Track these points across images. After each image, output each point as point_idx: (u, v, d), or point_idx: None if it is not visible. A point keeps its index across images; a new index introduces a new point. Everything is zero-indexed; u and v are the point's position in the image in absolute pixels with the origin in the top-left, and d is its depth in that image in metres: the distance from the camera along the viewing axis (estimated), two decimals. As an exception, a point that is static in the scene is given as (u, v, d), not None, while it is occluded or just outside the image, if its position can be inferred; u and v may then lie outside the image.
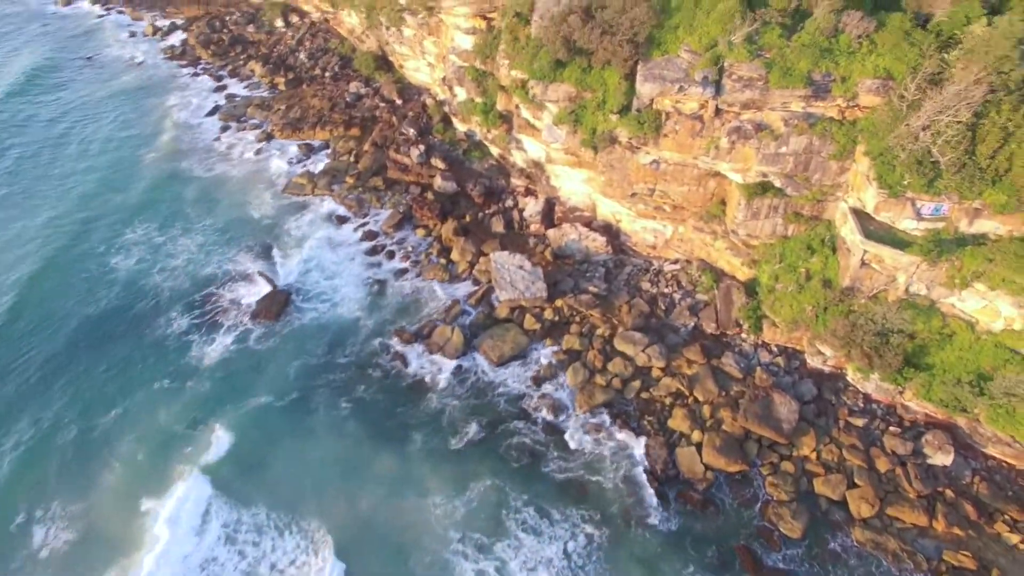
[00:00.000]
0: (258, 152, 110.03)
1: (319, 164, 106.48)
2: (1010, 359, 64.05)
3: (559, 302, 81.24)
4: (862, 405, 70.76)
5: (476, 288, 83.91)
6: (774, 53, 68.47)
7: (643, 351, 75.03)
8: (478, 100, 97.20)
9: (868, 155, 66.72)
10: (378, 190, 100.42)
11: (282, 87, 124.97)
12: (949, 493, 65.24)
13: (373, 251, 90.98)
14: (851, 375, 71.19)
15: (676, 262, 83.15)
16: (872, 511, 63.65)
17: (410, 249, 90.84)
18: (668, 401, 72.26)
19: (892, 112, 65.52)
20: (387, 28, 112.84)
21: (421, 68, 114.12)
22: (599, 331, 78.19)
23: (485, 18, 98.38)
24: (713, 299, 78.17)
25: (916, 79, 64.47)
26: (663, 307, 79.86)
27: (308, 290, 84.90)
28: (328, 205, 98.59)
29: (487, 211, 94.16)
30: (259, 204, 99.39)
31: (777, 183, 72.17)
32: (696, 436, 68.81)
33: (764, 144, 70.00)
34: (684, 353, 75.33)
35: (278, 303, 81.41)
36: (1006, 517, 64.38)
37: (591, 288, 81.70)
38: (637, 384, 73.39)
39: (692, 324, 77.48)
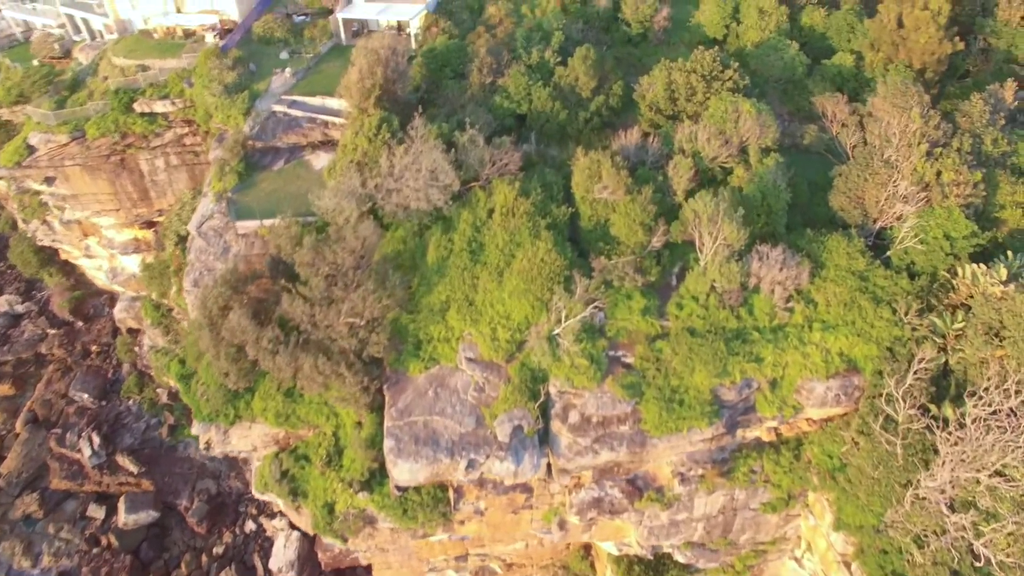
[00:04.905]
0: None
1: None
2: None
3: None
4: None
5: None
6: (640, 355, 33.13)
7: None
8: (174, 352, 55.66)
9: (843, 529, 33.39)
10: (31, 522, 56.29)
11: None
12: None
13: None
14: None
15: (531, 632, 47.16)
16: None
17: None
18: None
19: (874, 448, 32.36)
20: (24, 221, 67.38)
21: (104, 267, 69.94)
22: None
23: (151, 225, 56.69)
24: None
25: (904, 383, 31.54)
26: None
27: None
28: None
29: (214, 551, 53.26)
30: None
31: (680, 557, 37.51)
32: None
33: (650, 515, 35.01)
34: None
35: None
36: None
37: None
38: None
39: None
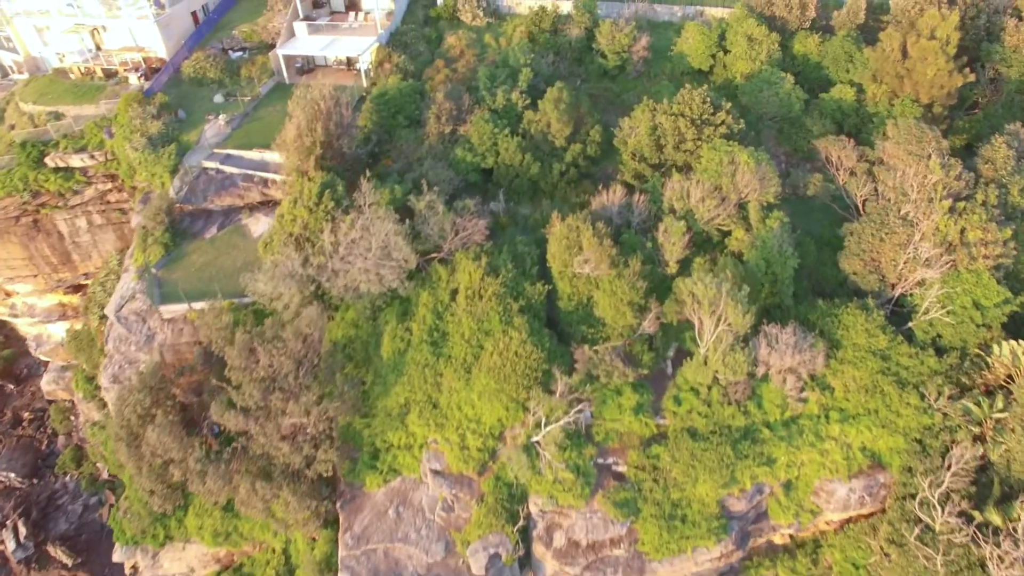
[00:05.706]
0: None
1: None
2: None
3: None
4: None
5: None
6: (634, 463, 28.25)
7: None
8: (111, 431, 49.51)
9: (877, 658, 28.98)
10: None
11: None
12: None
13: None
14: None
15: None
16: None
17: None
18: None
19: (909, 564, 27.91)
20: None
21: (33, 330, 63.17)
22: None
23: (77, 288, 50.46)
24: None
25: (940, 484, 27.16)
26: None
27: None
28: None
29: (163, 649, 47.53)
30: None
31: (686, 676, 32.92)
32: None
33: (650, 639, 30.31)
34: None
35: None
36: None
37: None
38: None
39: None
